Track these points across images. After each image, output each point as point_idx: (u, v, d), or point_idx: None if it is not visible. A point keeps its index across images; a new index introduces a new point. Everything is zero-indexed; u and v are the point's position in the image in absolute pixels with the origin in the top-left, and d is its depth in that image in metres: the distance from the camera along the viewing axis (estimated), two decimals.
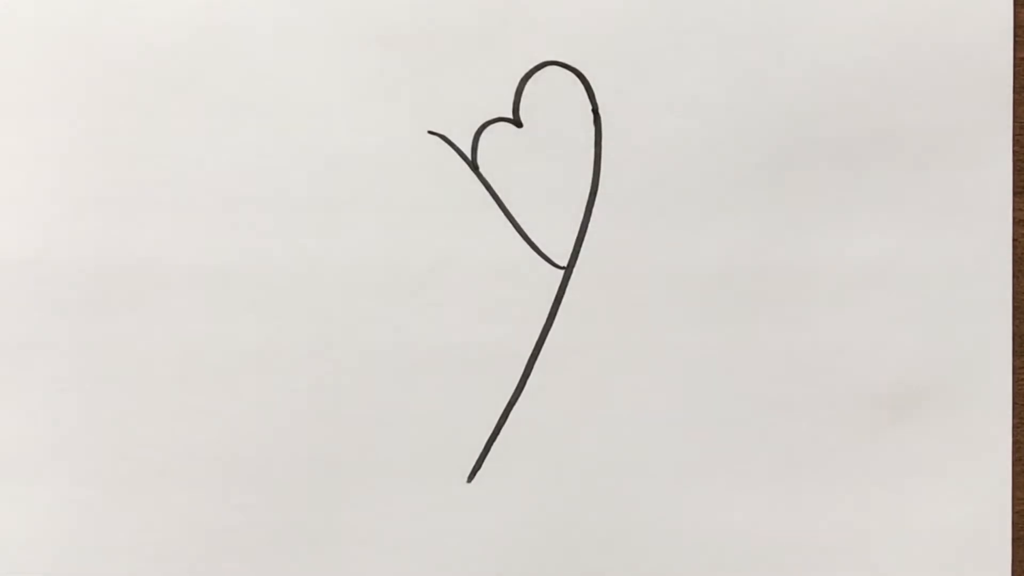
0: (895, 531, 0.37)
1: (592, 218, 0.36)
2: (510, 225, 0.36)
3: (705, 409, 0.36)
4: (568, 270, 0.36)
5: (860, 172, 0.37)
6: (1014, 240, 0.37)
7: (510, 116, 0.36)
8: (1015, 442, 0.37)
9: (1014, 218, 0.37)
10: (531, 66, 0.36)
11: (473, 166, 0.36)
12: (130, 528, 0.35)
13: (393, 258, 0.35)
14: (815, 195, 0.37)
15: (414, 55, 0.35)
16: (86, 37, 0.34)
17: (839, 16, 0.36)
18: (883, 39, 0.36)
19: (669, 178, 0.36)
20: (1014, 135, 0.37)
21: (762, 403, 0.37)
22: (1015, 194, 0.37)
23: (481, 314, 0.36)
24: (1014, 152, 0.37)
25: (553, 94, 0.36)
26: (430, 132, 0.35)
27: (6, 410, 0.34)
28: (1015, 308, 0.37)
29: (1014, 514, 0.37)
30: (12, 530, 0.35)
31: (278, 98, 0.35)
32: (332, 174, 0.35)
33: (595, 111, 0.36)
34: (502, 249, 0.36)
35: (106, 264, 0.34)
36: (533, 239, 0.36)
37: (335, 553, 0.35)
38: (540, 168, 0.36)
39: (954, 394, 0.37)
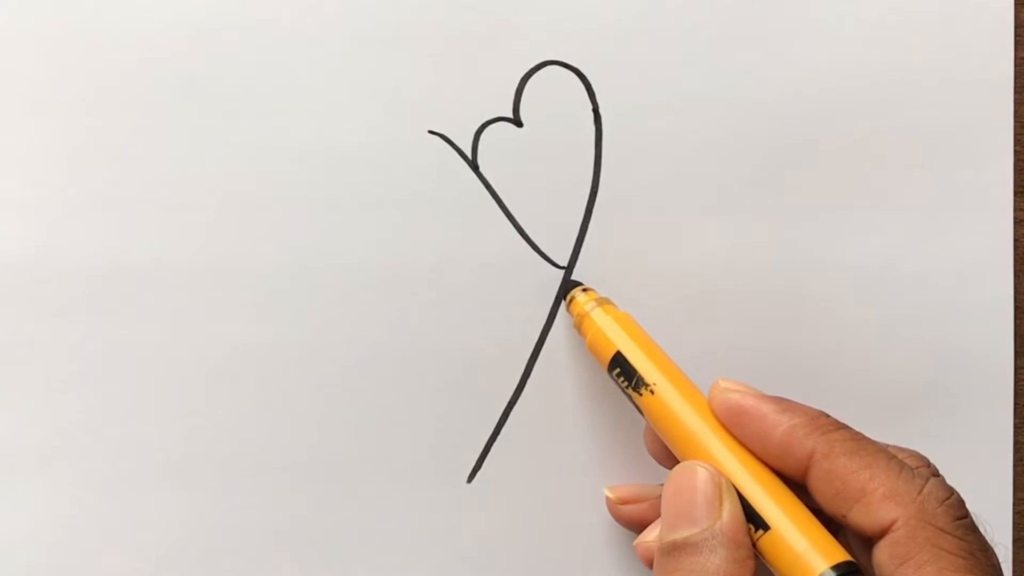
0: None
1: (592, 218, 0.36)
2: (510, 225, 0.36)
3: None
4: (568, 270, 0.36)
5: (860, 172, 0.37)
6: (1015, 240, 0.37)
7: (510, 116, 0.36)
8: (1016, 442, 0.37)
9: (1015, 218, 0.37)
10: (531, 66, 0.36)
11: (473, 166, 0.36)
12: (130, 528, 0.35)
13: (393, 258, 0.35)
14: (815, 195, 0.37)
15: (414, 55, 0.35)
16: (86, 37, 0.34)
17: (839, 16, 0.36)
18: (883, 39, 0.36)
19: (669, 178, 0.36)
20: (1015, 135, 0.37)
21: None
22: (1016, 194, 0.37)
23: (481, 314, 0.36)
24: (1015, 152, 0.37)
25: (553, 94, 0.36)
26: (430, 132, 0.35)
27: (6, 410, 0.34)
28: (1016, 308, 0.37)
29: (1014, 514, 0.37)
30: (12, 530, 0.35)
31: (278, 98, 0.35)
32: (332, 174, 0.35)
33: (595, 111, 0.36)
34: (502, 249, 0.36)
35: (106, 264, 0.34)
36: (533, 239, 0.36)
37: (335, 553, 0.35)
38: (540, 168, 0.36)
39: (954, 394, 0.37)
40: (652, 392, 0.30)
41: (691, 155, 0.36)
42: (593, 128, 0.36)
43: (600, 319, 0.33)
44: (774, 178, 0.36)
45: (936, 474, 0.28)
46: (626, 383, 0.31)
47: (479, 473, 0.36)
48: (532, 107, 0.36)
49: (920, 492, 0.26)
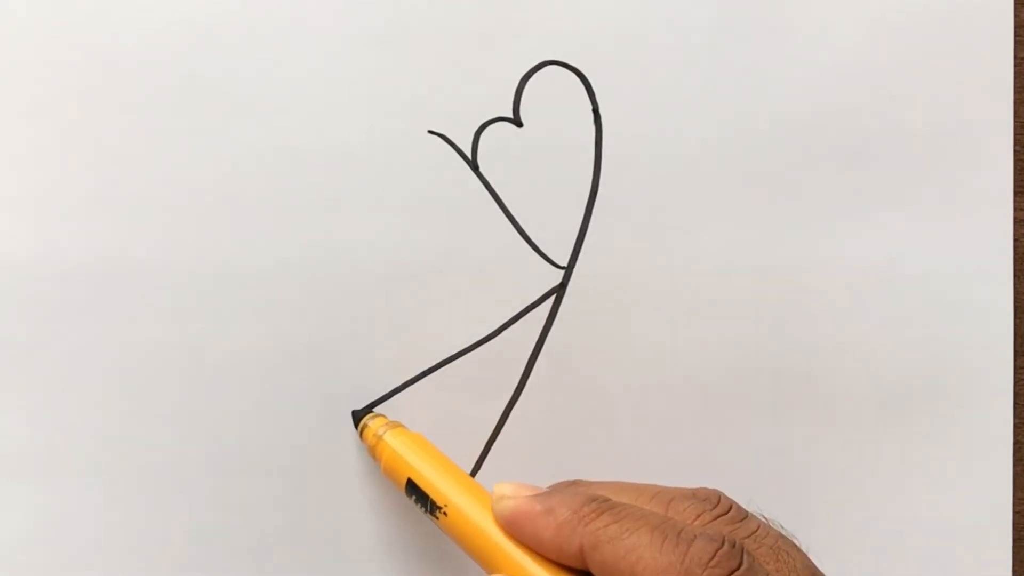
0: (895, 531, 0.37)
1: (592, 218, 0.36)
2: (510, 225, 0.36)
3: (705, 409, 0.36)
4: (568, 270, 0.36)
5: (860, 172, 0.37)
6: (1014, 240, 0.37)
7: (510, 116, 0.36)
8: (1015, 442, 0.37)
9: (1014, 218, 0.37)
10: (531, 66, 0.36)
11: (473, 166, 0.36)
12: (130, 528, 0.35)
13: (393, 258, 0.35)
14: (815, 195, 0.37)
15: (414, 55, 0.35)
16: (86, 37, 0.34)
17: (839, 16, 0.36)
18: (883, 39, 0.36)
19: (669, 178, 0.36)
20: (1014, 135, 0.37)
21: (762, 403, 0.37)
22: (1015, 194, 0.37)
23: (481, 314, 0.36)
24: (1014, 152, 0.37)
25: (553, 94, 0.36)
26: (430, 132, 0.35)
27: (6, 410, 0.34)
28: (1015, 308, 0.37)
29: (1014, 514, 0.37)
30: (12, 530, 0.35)
31: (278, 98, 0.35)
32: (332, 174, 0.35)
33: (595, 111, 0.36)
34: (502, 249, 0.36)
35: (106, 264, 0.34)
36: (533, 239, 0.36)
37: (335, 553, 0.35)
38: (540, 168, 0.36)
39: (954, 394, 0.37)
40: (446, 514, 0.30)
41: (691, 155, 0.36)
42: (593, 128, 0.36)
43: (392, 442, 0.33)
44: (774, 178, 0.36)
45: (725, 512, 0.28)
46: (422, 508, 0.31)
47: (479, 473, 0.36)
48: (532, 107, 0.36)
49: (684, 560, 0.25)
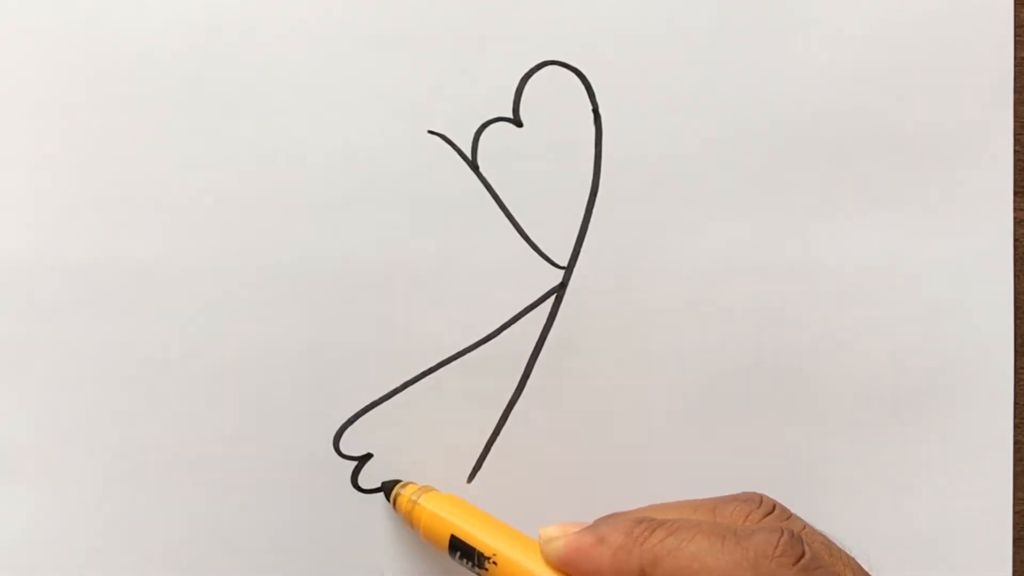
0: (895, 531, 0.37)
1: (592, 218, 0.36)
2: (510, 225, 0.36)
3: (705, 409, 0.36)
4: (568, 270, 0.36)
5: (860, 172, 0.37)
6: (1015, 240, 0.37)
7: (510, 116, 0.36)
8: (1015, 442, 0.37)
9: (1015, 218, 0.37)
10: (531, 66, 0.36)
11: (473, 166, 0.36)
12: (130, 528, 0.35)
13: (393, 258, 0.35)
14: (815, 195, 0.37)
15: (414, 55, 0.35)
16: (86, 37, 0.34)
17: (839, 16, 0.36)
18: (883, 39, 0.36)
19: (669, 178, 0.36)
20: (1014, 135, 0.37)
21: (762, 403, 0.37)
22: (1015, 194, 0.37)
23: (481, 314, 0.36)
24: (1014, 152, 0.37)
25: (553, 94, 0.36)
26: (430, 132, 0.35)
27: (6, 410, 0.34)
28: (1015, 308, 0.37)
29: (1014, 514, 0.37)
30: (12, 530, 0.35)
31: (278, 98, 0.35)
32: (332, 174, 0.35)
33: (595, 111, 0.36)
34: (502, 249, 0.36)
35: (106, 263, 0.34)
36: (533, 239, 0.36)
37: (335, 553, 0.35)
38: (540, 168, 0.36)
39: (954, 394, 0.37)
40: (495, 563, 0.30)
41: (691, 155, 0.36)
42: (593, 128, 0.36)
43: (429, 505, 0.33)
44: (774, 178, 0.36)
45: (770, 510, 0.28)
46: (469, 563, 0.31)
47: (479, 473, 0.36)
48: (532, 107, 0.36)
49: (749, 555, 0.26)
